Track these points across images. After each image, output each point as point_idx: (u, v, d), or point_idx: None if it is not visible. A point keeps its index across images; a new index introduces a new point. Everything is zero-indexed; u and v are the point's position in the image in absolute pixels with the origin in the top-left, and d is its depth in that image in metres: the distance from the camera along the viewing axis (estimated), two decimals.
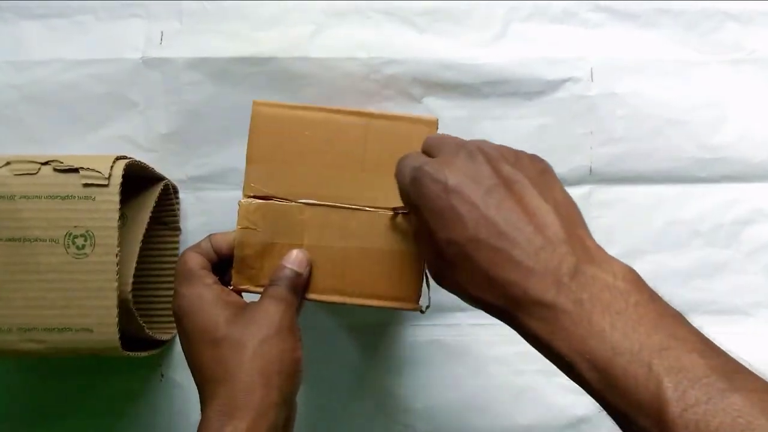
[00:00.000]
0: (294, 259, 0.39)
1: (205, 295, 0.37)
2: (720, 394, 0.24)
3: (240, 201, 0.40)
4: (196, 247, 0.39)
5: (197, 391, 0.37)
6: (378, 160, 0.39)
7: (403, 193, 0.33)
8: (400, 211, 0.39)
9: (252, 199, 0.40)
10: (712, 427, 0.23)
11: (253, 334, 0.35)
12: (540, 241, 0.28)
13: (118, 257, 0.42)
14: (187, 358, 0.37)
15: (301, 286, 0.39)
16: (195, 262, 0.38)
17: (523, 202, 0.29)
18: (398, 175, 0.33)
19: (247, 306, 0.38)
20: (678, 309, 0.53)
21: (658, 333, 0.26)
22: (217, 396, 0.34)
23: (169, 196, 0.52)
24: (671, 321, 0.27)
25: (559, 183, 0.32)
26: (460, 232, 0.29)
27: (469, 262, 0.29)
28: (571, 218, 0.30)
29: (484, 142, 0.32)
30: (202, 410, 0.35)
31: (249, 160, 0.40)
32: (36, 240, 0.42)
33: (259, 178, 0.40)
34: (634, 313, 0.27)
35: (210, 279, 0.38)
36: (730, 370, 0.25)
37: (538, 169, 0.31)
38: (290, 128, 0.40)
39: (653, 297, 0.28)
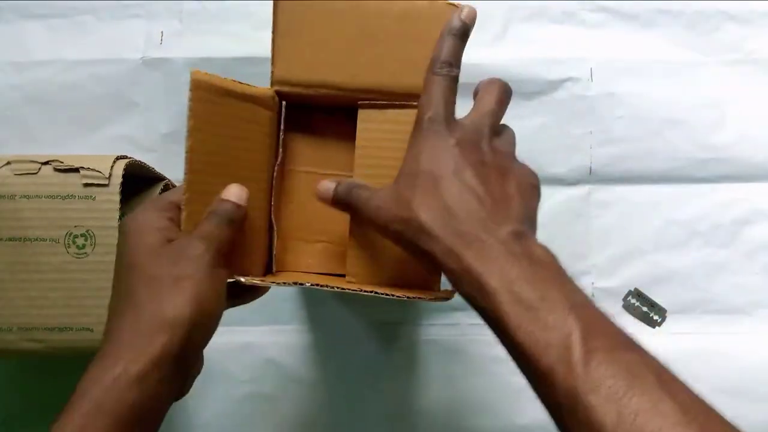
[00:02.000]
0: (233, 192, 0.35)
1: (154, 223, 0.33)
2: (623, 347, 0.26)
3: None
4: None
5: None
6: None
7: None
8: None
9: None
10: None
11: (169, 272, 0.31)
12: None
13: None
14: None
15: (239, 221, 0.34)
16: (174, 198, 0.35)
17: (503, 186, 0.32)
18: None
19: (175, 240, 0.33)
20: (677, 308, 0.54)
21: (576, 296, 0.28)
22: (118, 330, 0.31)
23: None
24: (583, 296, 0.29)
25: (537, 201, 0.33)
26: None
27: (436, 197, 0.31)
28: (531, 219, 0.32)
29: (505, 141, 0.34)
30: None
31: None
32: (36, 239, 0.42)
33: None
34: (558, 277, 0.29)
35: (168, 214, 0.34)
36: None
37: (528, 182, 0.33)
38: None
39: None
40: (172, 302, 0.31)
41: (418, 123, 0.33)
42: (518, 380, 0.54)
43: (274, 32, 0.37)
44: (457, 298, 0.38)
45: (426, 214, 0.30)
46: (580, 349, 0.25)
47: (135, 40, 0.54)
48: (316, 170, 0.40)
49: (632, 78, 0.54)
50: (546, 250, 0.30)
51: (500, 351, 0.55)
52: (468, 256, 0.29)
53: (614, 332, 0.27)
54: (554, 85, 0.54)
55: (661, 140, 0.54)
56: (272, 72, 0.37)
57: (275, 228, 0.38)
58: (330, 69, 0.37)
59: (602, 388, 0.24)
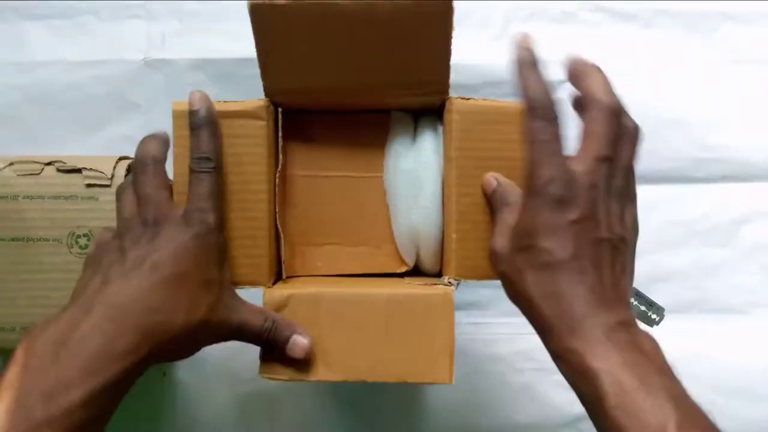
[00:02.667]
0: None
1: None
2: None
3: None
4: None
5: None
6: None
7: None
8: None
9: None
10: None
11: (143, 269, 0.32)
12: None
13: None
14: None
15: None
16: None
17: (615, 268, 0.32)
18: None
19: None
20: (676, 308, 0.54)
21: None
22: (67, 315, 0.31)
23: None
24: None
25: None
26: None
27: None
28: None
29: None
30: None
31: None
32: (39, 240, 0.43)
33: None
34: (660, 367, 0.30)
35: None
36: None
37: (636, 238, 0.34)
38: None
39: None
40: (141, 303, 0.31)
41: (533, 187, 0.31)
42: (518, 380, 0.54)
43: (257, 50, 0.36)
44: (457, 298, 0.38)
45: (537, 295, 0.31)
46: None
47: (136, 40, 0.54)
48: (317, 173, 0.41)
49: (631, 78, 0.54)
50: (651, 339, 0.30)
51: (500, 350, 0.55)
52: (571, 339, 0.30)
53: (709, 426, 0.28)
54: (553, 86, 0.54)
55: (660, 140, 0.54)
56: (264, 86, 0.37)
57: (282, 235, 0.38)
58: (320, 76, 0.36)
59: None
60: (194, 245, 0.33)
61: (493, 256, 0.34)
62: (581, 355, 0.29)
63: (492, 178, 0.36)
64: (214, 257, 0.34)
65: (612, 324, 0.30)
